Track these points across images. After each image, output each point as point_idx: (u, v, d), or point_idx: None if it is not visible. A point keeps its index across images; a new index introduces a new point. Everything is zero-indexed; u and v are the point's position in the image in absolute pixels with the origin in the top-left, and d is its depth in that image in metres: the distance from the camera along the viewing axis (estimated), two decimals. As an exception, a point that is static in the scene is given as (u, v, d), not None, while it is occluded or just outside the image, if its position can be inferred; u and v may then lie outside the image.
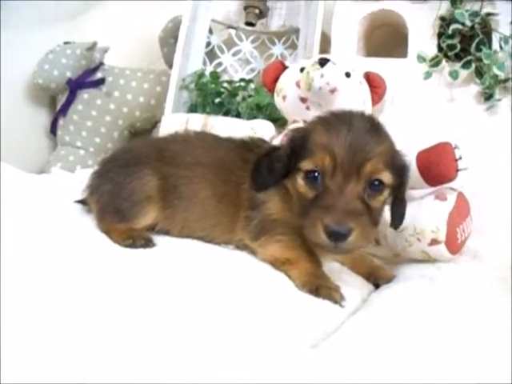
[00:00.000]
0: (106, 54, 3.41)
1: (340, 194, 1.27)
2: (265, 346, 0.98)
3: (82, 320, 0.91)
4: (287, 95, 1.91)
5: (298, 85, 1.87)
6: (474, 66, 2.39)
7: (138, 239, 1.41)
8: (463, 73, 2.40)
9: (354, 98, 1.86)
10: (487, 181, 2.18)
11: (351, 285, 1.42)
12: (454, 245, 1.66)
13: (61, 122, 3.32)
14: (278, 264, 1.40)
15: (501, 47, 2.38)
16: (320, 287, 1.29)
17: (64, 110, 3.28)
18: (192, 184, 1.56)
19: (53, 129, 3.37)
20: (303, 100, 1.87)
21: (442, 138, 1.77)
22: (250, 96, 2.82)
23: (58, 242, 1.31)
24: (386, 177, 1.34)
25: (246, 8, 3.07)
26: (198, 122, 2.34)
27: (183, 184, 1.56)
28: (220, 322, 1.02)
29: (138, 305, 1.01)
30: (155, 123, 3.31)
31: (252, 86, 2.92)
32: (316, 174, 1.33)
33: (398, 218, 1.48)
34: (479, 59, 2.38)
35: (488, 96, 2.39)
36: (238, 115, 2.74)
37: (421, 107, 2.44)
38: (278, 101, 2.00)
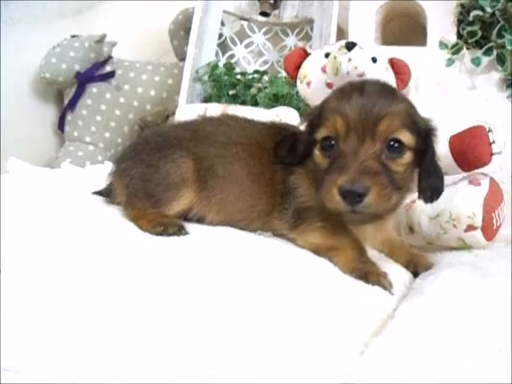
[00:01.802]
0: (115, 48, 3.38)
1: (354, 155, 1.23)
2: (327, 337, 0.95)
3: (94, 320, 0.87)
4: (312, 81, 1.87)
5: (323, 70, 1.82)
6: (495, 52, 2.35)
7: (170, 226, 1.35)
8: (485, 59, 2.37)
9: (381, 82, 1.82)
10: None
11: (392, 272, 1.37)
12: (490, 230, 1.63)
13: (69, 117, 3.29)
14: (322, 251, 1.35)
15: (523, 33, 2.35)
16: (369, 273, 1.24)
17: (72, 104, 3.25)
18: (227, 163, 1.50)
19: (60, 124, 3.34)
20: (329, 85, 1.82)
21: (470, 123, 1.74)
22: (265, 87, 2.79)
23: (87, 232, 1.26)
24: (405, 136, 1.28)
25: (260, -2, 3.05)
26: (216, 112, 2.29)
27: (218, 163, 1.50)
28: (274, 315, 0.98)
29: (175, 296, 0.97)
30: (166, 117, 3.29)
31: (266, 77, 2.90)
32: (331, 141, 1.30)
33: (430, 190, 1.39)
34: (500, 46, 2.35)
35: (510, 83, 2.37)
36: (254, 107, 2.70)
37: (442, 95, 2.42)
38: (301, 87, 1.95)
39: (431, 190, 1.40)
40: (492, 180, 1.69)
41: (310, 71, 1.88)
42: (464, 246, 1.66)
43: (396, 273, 1.41)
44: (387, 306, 1.17)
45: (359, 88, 1.32)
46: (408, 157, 1.31)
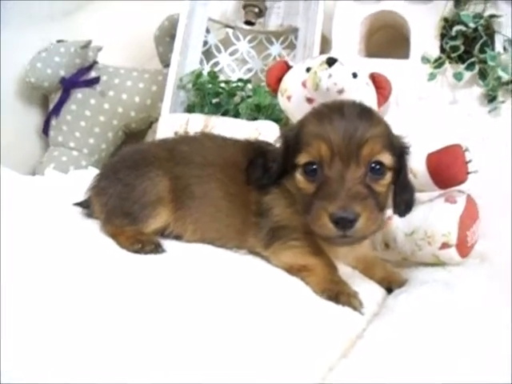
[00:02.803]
0: (100, 53, 3.38)
1: (341, 180, 1.24)
2: (293, 358, 0.95)
3: (88, 324, 0.89)
4: (292, 95, 1.87)
5: (304, 85, 1.83)
6: (477, 67, 2.38)
7: (148, 243, 1.37)
8: (467, 74, 2.40)
9: (360, 99, 1.82)
10: (492, 183, 2.17)
11: (365, 289, 1.38)
12: (465, 248, 1.64)
13: (53, 122, 3.28)
14: (293, 271, 1.36)
15: (505, 49, 2.38)
16: (339, 294, 1.25)
17: (57, 109, 3.25)
18: (203, 184, 1.51)
19: (45, 129, 3.33)
20: (309, 100, 1.83)
21: (449, 140, 1.75)
22: (248, 96, 2.81)
23: (64, 246, 1.27)
24: (386, 158, 1.32)
25: (245, 7, 3.08)
26: (198, 123, 2.30)
27: (194, 184, 1.51)
28: (242, 333, 0.99)
29: (147, 312, 0.98)
30: (150, 124, 3.30)
31: (250, 86, 2.92)
32: (314, 166, 1.31)
33: (403, 204, 1.45)
34: (483, 61, 2.38)
35: (491, 98, 2.39)
36: (236, 116, 2.73)
37: (423, 109, 2.44)
38: (282, 101, 1.96)
39: (405, 204, 1.45)
40: (468, 197, 1.70)
41: (290, 85, 1.89)
42: (438, 263, 1.66)
43: (368, 291, 1.42)
44: (357, 325, 1.17)
45: (338, 111, 1.34)
46: (389, 177, 1.34)
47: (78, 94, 3.24)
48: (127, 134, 3.37)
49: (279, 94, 1.97)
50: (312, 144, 1.30)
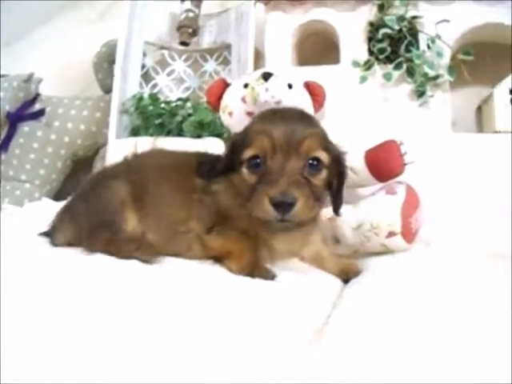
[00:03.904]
0: (41, 84, 3.44)
1: (282, 170, 1.37)
2: (260, 351, 0.99)
3: (87, 324, 0.92)
4: (234, 111, 1.94)
5: (243, 100, 1.90)
6: (405, 66, 2.53)
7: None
8: (395, 74, 2.55)
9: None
10: (429, 172, 2.30)
11: (323, 282, 1.50)
12: (410, 234, 1.74)
13: (3, 157, 3.31)
14: (221, 255, 1.52)
15: (428, 47, 2.53)
16: (255, 270, 1.43)
17: (5, 144, 3.28)
18: (159, 184, 1.61)
19: (-5, 165, 3.35)
20: (249, 114, 1.90)
21: (384, 137, 1.87)
22: (189, 115, 2.89)
23: (54, 263, 1.29)
24: (323, 155, 1.44)
25: (179, 28, 3.16)
26: (146, 145, 2.37)
27: (152, 184, 1.61)
28: (213, 331, 1.03)
29: (137, 312, 0.99)
30: (97, 150, 3.35)
31: (189, 104, 3.00)
32: (257, 160, 1.43)
33: (340, 204, 1.59)
34: (409, 60, 2.53)
35: (420, 93, 2.55)
36: (180, 134, 2.82)
37: (357, 110, 2.57)
38: (224, 118, 2.03)
39: (341, 203, 1.59)
40: (408, 187, 1.81)
41: (230, 102, 1.96)
42: (387, 251, 1.76)
43: (327, 282, 1.52)
44: (320, 315, 1.23)
45: (280, 113, 1.50)
46: (324, 173, 1.47)
47: (25, 128, 3.29)
48: (75, 162, 3.42)
49: (221, 112, 2.04)
50: (256, 139, 1.43)
